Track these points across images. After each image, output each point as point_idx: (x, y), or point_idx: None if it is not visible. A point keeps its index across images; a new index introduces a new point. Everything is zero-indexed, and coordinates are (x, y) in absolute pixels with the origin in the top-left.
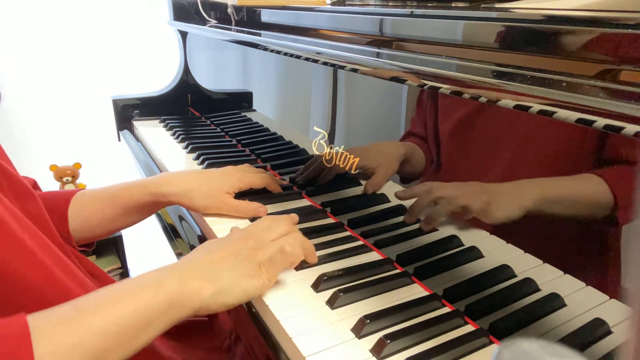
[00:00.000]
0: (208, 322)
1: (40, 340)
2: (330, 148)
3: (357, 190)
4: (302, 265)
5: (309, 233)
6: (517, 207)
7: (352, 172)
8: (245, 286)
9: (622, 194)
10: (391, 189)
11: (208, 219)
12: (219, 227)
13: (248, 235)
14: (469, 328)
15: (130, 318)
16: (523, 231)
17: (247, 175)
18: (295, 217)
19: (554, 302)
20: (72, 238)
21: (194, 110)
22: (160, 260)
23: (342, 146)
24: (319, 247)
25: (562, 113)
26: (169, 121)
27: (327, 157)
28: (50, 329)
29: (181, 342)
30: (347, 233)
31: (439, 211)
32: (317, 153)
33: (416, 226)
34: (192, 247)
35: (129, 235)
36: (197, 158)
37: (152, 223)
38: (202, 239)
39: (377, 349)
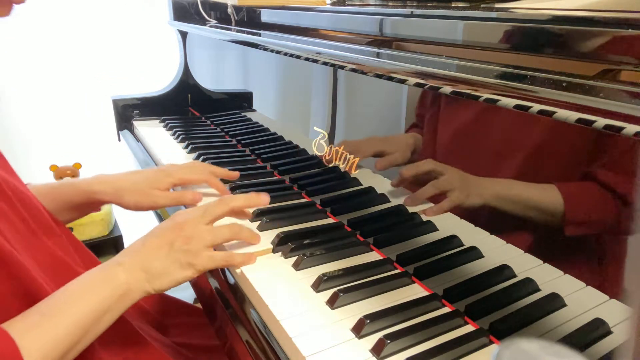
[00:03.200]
0: (208, 322)
1: (23, 349)
2: (331, 148)
3: (357, 191)
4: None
5: (308, 233)
6: (479, 198)
7: (352, 172)
8: (176, 276)
9: (572, 208)
10: (389, 188)
11: None
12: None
13: (185, 221)
14: (469, 328)
15: (91, 312)
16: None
17: (178, 172)
18: (233, 198)
19: (554, 302)
20: None
21: (194, 110)
22: None
23: (342, 139)
24: (319, 248)
25: (562, 113)
26: (169, 121)
27: (327, 157)
28: (26, 338)
29: (181, 341)
30: (348, 233)
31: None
32: (318, 153)
33: (416, 226)
34: None
35: (129, 236)
36: (197, 158)
37: (151, 223)
38: None
39: (377, 349)
